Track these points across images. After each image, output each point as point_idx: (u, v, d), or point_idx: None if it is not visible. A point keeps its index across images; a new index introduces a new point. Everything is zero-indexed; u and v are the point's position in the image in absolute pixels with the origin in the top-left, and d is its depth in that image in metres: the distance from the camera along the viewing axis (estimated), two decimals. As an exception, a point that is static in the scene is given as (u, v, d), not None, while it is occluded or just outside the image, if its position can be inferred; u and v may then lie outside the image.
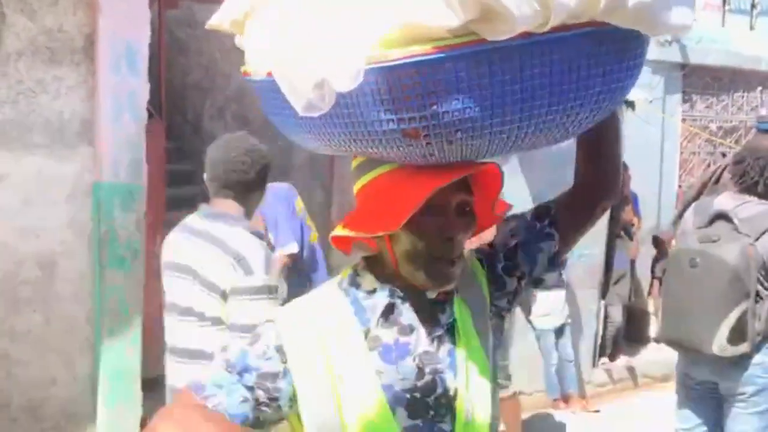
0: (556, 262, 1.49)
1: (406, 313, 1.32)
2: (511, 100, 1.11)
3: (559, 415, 5.77)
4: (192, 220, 2.53)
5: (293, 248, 4.16)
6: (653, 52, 6.72)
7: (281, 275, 3.92)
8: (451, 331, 1.35)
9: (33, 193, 4.00)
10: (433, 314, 1.34)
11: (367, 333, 1.30)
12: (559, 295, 5.64)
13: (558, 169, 5.29)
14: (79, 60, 4.07)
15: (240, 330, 2.20)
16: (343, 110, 1.15)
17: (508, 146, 1.20)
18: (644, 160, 6.70)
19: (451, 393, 1.31)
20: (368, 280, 1.34)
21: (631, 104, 5.85)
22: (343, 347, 1.28)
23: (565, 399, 5.88)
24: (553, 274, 1.46)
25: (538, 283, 1.51)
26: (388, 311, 1.31)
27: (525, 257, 1.45)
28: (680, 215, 4.11)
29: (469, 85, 1.09)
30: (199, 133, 7.82)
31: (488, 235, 1.56)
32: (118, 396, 4.16)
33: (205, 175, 2.58)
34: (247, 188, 2.51)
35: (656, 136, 7.06)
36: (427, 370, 1.30)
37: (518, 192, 5.53)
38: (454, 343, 1.34)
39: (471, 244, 1.45)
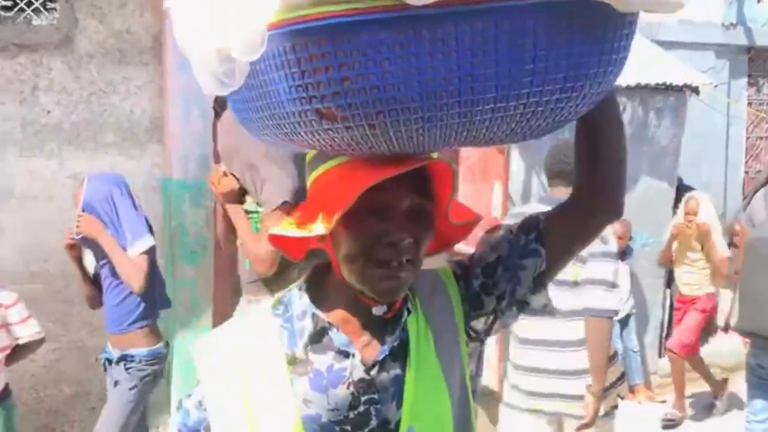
0: (542, 283, 1.28)
1: (339, 337, 1.16)
2: (444, 80, 0.93)
3: (625, 405, 5.71)
4: (533, 207, 3.01)
5: (148, 241, 3.30)
6: (717, 35, 6.59)
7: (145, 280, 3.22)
8: (401, 353, 1.18)
9: (107, 190, 4.14)
10: (378, 334, 1.18)
11: (292, 358, 1.16)
12: (625, 284, 5.58)
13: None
14: (147, 60, 4.20)
15: (600, 283, 2.87)
16: (260, 90, 1.03)
17: (452, 137, 1.02)
18: (709, 147, 6.58)
19: (392, 426, 1.15)
20: (303, 300, 1.19)
21: (695, 89, 5.73)
22: (263, 377, 1.15)
23: (631, 389, 5.81)
24: (540, 297, 1.30)
25: (522, 305, 1.28)
26: (318, 336, 1.16)
27: (505, 275, 1.25)
28: (749, 202, 4.03)
29: (389, 58, 0.92)
30: (259, 128, 7.96)
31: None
32: (190, 386, 4.26)
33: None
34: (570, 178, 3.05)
35: (721, 121, 6.91)
36: (362, 399, 1.15)
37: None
38: (403, 368, 1.17)
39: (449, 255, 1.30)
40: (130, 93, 4.18)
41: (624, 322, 5.69)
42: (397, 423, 1.15)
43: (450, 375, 1.20)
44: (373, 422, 1.15)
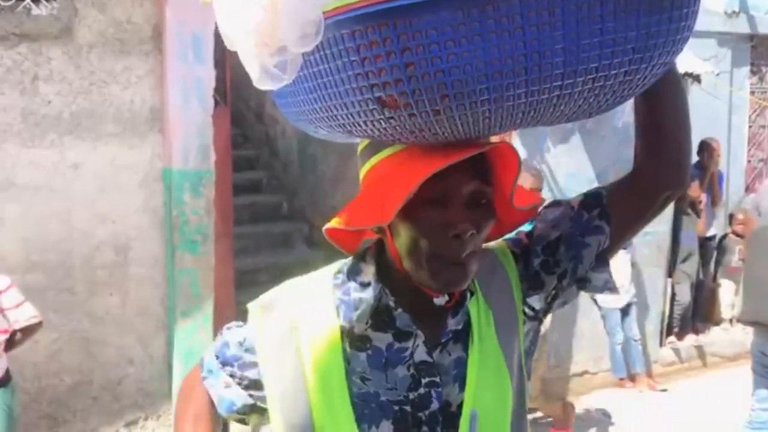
0: (604, 261, 1.25)
1: (402, 317, 1.14)
2: (511, 59, 0.90)
3: (626, 393, 5.73)
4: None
5: None
6: (719, 23, 6.56)
7: None
8: (463, 336, 1.16)
9: (107, 180, 4.15)
10: (439, 317, 1.16)
11: (348, 331, 1.14)
12: (625, 273, 5.58)
13: (624, 146, 5.22)
14: (147, 50, 4.18)
15: None
16: (314, 82, 1.00)
17: (518, 118, 0.99)
18: (711, 135, 6.55)
19: (453, 409, 1.13)
20: (368, 271, 1.16)
21: (697, 77, 5.72)
22: (316, 346, 1.14)
23: (632, 378, 5.84)
24: (602, 275, 1.29)
25: (583, 283, 1.25)
26: (380, 313, 1.14)
27: (567, 253, 1.22)
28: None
29: (453, 39, 0.89)
30: (261, 119, 7.95)
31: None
32: (191, 375, 4.30)
33: None
34: None
35: (723, 110, 6.89)
36: (423, 381, 1.13)
37: (581, 170, 5.48)
38: (465, 350, 1.16)
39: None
40: (131, 83, 4.17)
41: (625, 311, 5.70)
42: (459, 406, 1.13)
43: (510, 357, 1.18)
44: (434, 404, 1.13)
